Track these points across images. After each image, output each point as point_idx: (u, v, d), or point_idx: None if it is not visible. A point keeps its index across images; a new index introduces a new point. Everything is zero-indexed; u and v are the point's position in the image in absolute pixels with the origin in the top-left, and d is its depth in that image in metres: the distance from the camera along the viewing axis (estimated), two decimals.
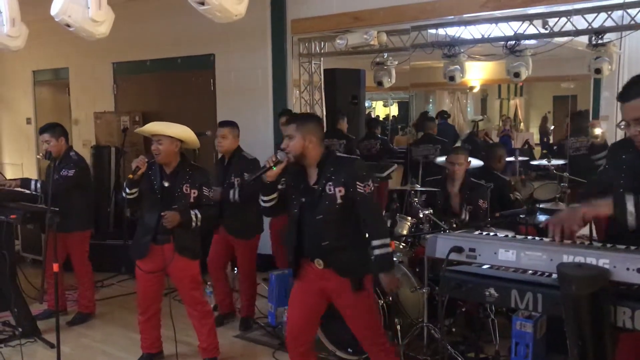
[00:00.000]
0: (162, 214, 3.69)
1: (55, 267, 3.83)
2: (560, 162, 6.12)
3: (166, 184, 3.84)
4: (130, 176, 3.73)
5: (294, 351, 3.25)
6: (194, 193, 3.86)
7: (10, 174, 9.12)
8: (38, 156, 8.51)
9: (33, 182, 4.90)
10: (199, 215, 3.83)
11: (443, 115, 9.27)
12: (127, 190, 3.79)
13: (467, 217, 4.60)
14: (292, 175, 3.13)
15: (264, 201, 3.13)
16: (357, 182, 2.96)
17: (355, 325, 3.17)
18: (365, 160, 7.02)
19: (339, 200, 2.99)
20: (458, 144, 8.47)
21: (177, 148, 3.85)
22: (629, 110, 2.36)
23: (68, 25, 3.63)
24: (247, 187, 4.41)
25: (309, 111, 7.46)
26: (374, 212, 3.06)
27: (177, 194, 3.82)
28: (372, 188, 3.03)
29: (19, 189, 4.98)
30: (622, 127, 2.48)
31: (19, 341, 4.18)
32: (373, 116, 10.92)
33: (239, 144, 4.70)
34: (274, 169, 2.98)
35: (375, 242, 2.99)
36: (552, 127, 9.23)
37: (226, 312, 4.91)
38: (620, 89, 2.43)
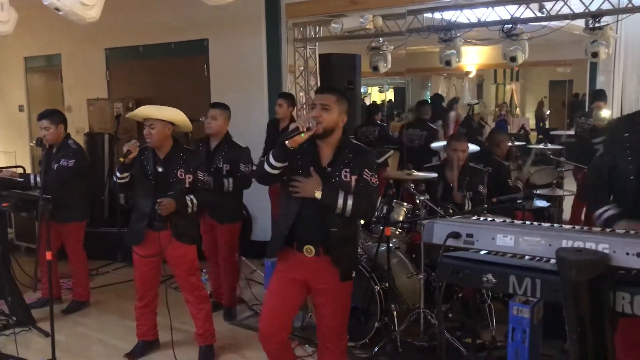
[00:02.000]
0: (158, 200, 3.64)
1: (49, 255, 3.79)
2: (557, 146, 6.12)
3: (160, 169, 3.79)
4: (121, 159, 3.68)
5: (272, 344, 3.00)
6: (189, 178, 3.81)
7: (3, 162, 9.06)
8: (31, 144, 8.45)
9: (32, 177, 4.84)
10: (195, 201, 3.79)
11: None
12: (118, 175, 3.75)
13: (469, 204, 4.57)
14: (302, 151, 2.89)
15: (273, 167, 2.85)
16: (366, 170, 2.90)
17: (329, 320, 3.02)
18: None
19: (352, 190, 2.88)
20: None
21: (169, 132, 3.80)
22: None
23: (57, 9, 3.54)
24: (241, 180, 4.48)
25: (304, 97, 7.43)
26: (367, 192, 2.89)
27: (172, 179, 3.77)
28: (377, 182, 2.94)
29: (10, 177, 4.93)
30: None
31: (13, 330, 4.14)
32: (369, 102, 10.87)
33: (228, 131, 4.65)
34: (302, 135, 2.75)
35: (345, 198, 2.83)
36: (548, 112, 9.22)
37: (220, 301, 4.88)
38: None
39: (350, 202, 2.82)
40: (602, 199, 2.73)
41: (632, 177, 2.58)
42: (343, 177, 2.88)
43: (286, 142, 2.77)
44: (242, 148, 4.57)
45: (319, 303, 3.04)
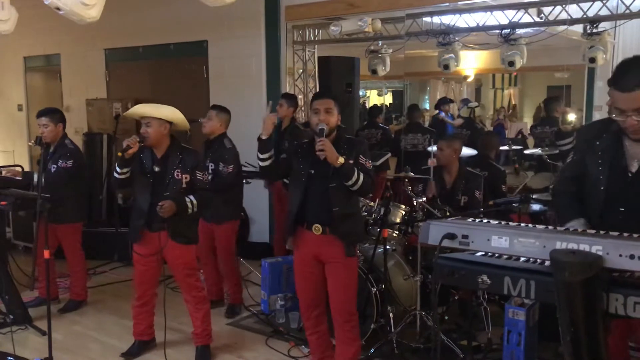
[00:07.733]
0: (160, 203, 3.63)
1: (46, 254, 3.79)
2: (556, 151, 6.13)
3: (157, 169, 3.78)
4: (120, 154, 3.67)
5: (309, 317, 3.54)
6: (186, 178, 3.79)
7: (1, 161, 9.08)
8: (30, 143, 8.45)
9: (35, 176, 4.83)
10: (195, 202, 3.77)
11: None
12: (118, 170, 3.74)
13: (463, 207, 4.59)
14: (304, 147, 3.40)
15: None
16: (361, 155, 3.31)
17: (338, 292, 3.38)
18: None
19: None
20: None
21: (166, 130, 3.79)
22: (630, 100, 2.24)
23: (58, 9, 3.57)
24: (222, 181, 4.47)
25: (303, 99, 7.44)
26: (367, 172, 3.28)
27: (168, 179, 3.76)
28: (371, 166, 3.36)
29: (10, 176, 4.93)
30: (614, 115, 2.39)
31: (10, 328, 4.15)
32: (369, 105, 10.87)
33: (226, 132, 4.67)
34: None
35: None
36: None
37: (214, 299, 4.86)
38: (614, 75, 2.31)
39: (362, 177, 3.23)
40: (571, 211, 2.60)
41: (602, 188, 2.45)
42: None
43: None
44: (227, 149, 4.58)
45: (329, 275, 3.39)
